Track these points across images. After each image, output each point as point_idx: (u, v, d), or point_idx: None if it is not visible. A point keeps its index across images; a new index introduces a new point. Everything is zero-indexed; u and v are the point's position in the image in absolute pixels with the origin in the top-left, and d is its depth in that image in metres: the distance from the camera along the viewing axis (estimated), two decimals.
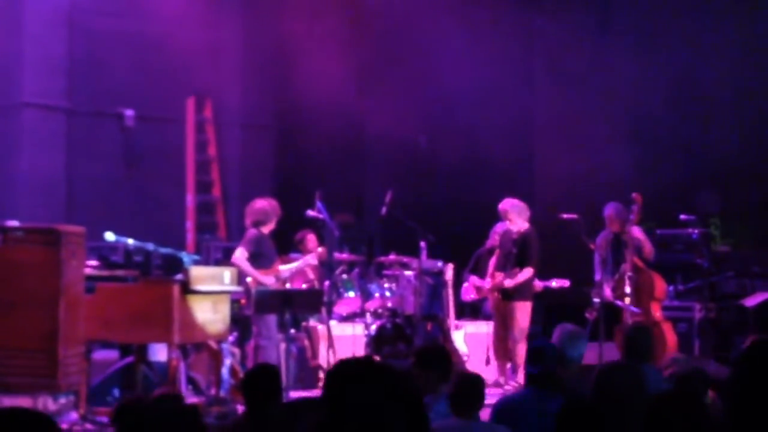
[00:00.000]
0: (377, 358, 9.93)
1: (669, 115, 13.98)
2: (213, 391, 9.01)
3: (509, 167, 14.33)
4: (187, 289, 8.50)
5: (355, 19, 15.10)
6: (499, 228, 11.11)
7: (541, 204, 12.27)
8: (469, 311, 12.01)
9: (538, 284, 10.85)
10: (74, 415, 8.23)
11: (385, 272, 11.76)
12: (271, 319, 9.70)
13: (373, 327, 10.86)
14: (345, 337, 10.69)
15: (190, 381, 9.43)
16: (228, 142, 14.87)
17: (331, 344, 10.22)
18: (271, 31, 14.40)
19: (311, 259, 10.59)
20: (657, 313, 10.56)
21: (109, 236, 9.22)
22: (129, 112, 14.02)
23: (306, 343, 10.69)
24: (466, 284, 11.48)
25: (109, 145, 13.98)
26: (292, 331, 10.14)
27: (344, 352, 10.25)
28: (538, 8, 14.90)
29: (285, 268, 10.26)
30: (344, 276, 11.50)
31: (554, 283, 11.00)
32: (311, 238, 11.46)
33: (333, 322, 10.76)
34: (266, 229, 10.05)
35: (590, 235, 10.75)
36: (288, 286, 10.20)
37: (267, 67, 14.85)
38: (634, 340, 6.85)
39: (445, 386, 5.84)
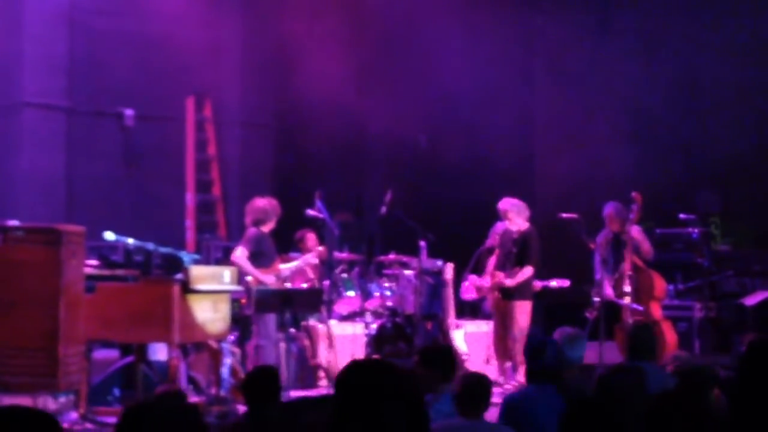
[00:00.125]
0: (377, 357, 9.94)
1: (669, 115, 13.99)
2: (213, 391, 9.01)
3: (509, 167, 14.34)
4: (187, 288, 8.50)
5: (355, 19, 15.09)
6: (498, 227, 11.10)
7: (541, 203, 12.27)
8: (469, 310, 12.01)
9: (537, 284, 10.84)
10: (74, 415, 8.24)
11: (385, 271, 11.76)
12: (270, 319, 9.69)
13: (373, 326, 10.86)
14: (345, 337, 10.69)
15: (191, 380, 9.43)
16: (228, 142, 14.86)
17: (331, 343, 10.22)
18: (271, 30, 14.40)
19: (311, 258, 10.59)
20: (657, 312, 10.56)
21: (109, 236, 9.22)
22: (129, 112, 14.01)
23: (306, 342, 10.69)
24: (466, 283, 11.47)
25: (109, 145, 13.98)
26: (292, 330, 10.14)
27: (344, 351, 10.27)
28: (538, 8, 14.90)
29: (285, 267, 10.27)
30: (344, 275, 11.50)
31: (554, 283, 11.00)
32: (311, 237, 11.46)
33: (333, 322, 10.76)
34: (266, 228, 10.05)
35: (590, 234, 10.75)
36: (288, 285, 10.20)
37: (267, 67, 14.85)
38: (638, 339, 6.86)
39: (447, 385, 5.86)
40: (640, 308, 10.30)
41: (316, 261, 10.75)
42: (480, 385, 5.58)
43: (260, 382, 5.87)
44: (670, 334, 10.50)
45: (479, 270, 11.32)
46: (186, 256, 9.87)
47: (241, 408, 7.88)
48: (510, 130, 14.51)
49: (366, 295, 11.44)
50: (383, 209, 11.21)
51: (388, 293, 11.43)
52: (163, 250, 9.72)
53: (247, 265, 9.79)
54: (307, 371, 10.60)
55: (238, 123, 14.95)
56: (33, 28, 13.29)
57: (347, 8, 14.85)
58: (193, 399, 8.79)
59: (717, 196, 13.28)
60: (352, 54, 14.76)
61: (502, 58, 14.44)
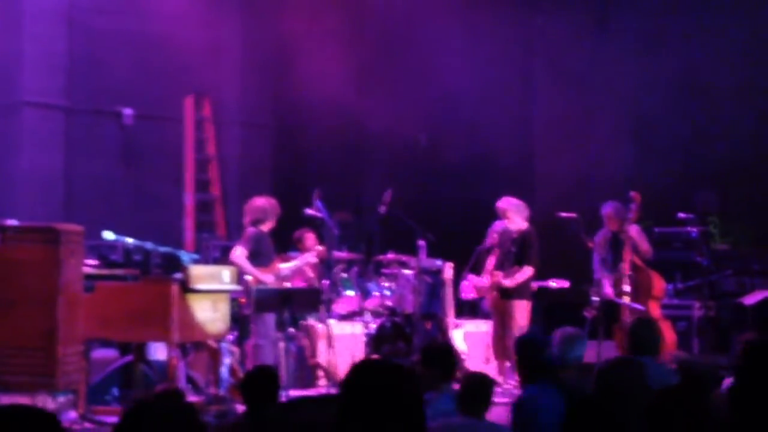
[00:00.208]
0: (377, 356, 9.94)
1: (668, 115, 13.98)
2: (212, 390, 9.01)
3: (509, 166, 14.33)
4: (186, 287, 8.50)
5: (355, 19, 15.09)
6: (497, 227, 11.09)
7: (541, 203, 12.26)
8: (468, 310, 12.00)
9: (533, 285, 10.83)
10: (73, 414, 8.22)
11: (384, 271, 11.75)
12: (269, 318, 9.69)
13: (372, 326, 10.85)
14: (344, 336, 10.68)
15: (189, 380, 9.42)
16: (227, 141, 14.86)
17: (330, 343, 10.21)
18: (271, 30, 14.39)
19: (311, 258, 10.59)
20: (656, 311, 10.55)
21: (108, 235, 9.22)
22: (128, 111, 14.01)
23: (305, 341, 10.68)
24: (465, 283, 11.47)
25: (108, 144, 13.98)
26: (291, 329, 10.14)
27: (343, 350, 10.26)
28: (538, 8, 14.89)
29: (284, 267, 10.26)
30: (343, 275, 11.49)
31: (553, 284, 10.99)
32: (310, 237, 11.45)
33: (332, 321, 10.76)
34: (265, 228, 10.04)
35: (589, 233, 10.75)
36: (287, 284, 10.20)
37: (266, 67, 14.85)
38: (638, 334, 6.82)
39: (447, 384, 5.87)
40: (640, 307, 10.30)
41: (315, 260, 10.75)
42: (483, 384, 5.61)
43: (259, 382, 5.87)
44: (669, 334, 10.48)
45: (478, 269, 11.31)
46: (185, 256, 9.87)
47: (240, 407, 7.88)
48: (510, 129, 14.50)
49: (365, 294, 11.44)
50: (382, 208, 11.21)
51: (387, 293, 11.43)
52: (162, 249, 9.72)
53: (246, 265, 9.78)
54: (306, 371, 10.59)
55: (238, 123, 14.95)
56: (32, 28, 13.28)
57: (347, 8, 14.84)
58: (192, 398, 8.79)
59: (716, 196, 13.27)
60: (352, 54, 14.75)
61: (501, 58, 14.43)
